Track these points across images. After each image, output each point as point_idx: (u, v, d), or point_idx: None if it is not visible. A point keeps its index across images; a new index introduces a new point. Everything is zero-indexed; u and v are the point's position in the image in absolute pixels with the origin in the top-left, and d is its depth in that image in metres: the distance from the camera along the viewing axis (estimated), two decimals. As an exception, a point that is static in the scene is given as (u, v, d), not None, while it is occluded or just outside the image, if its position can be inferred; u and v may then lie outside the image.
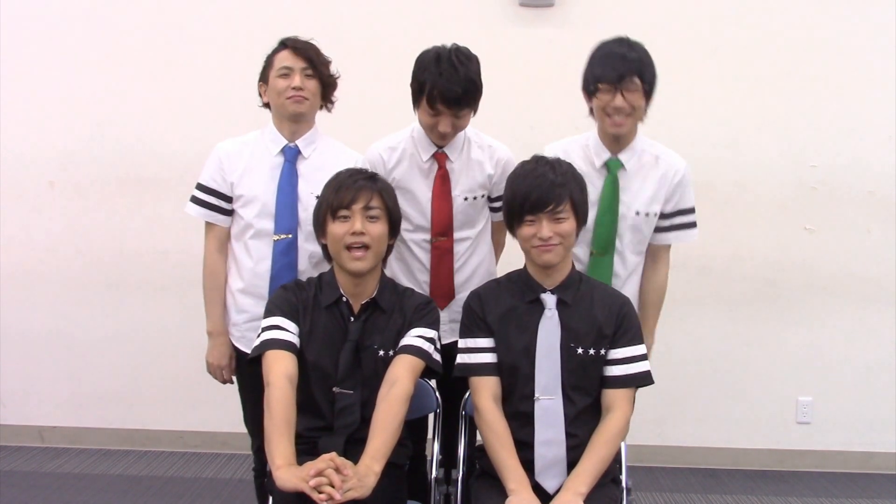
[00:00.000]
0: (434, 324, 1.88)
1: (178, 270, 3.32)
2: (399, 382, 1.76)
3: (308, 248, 2.09)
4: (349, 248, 1.78)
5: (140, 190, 3.35)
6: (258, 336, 1.82)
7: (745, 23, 3.20)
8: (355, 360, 1.82)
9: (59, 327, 3.43)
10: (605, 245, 2.09)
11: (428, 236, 2.16)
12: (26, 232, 3.40)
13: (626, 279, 2.16)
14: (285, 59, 2.10)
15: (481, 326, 1.86)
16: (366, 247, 1.78)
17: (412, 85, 2.05)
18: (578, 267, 2.02)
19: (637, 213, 2.10)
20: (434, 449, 2.03)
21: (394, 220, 1.86)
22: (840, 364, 3.31)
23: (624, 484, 1.91)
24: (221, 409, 3.30)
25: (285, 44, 2.13)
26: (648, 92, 2.03)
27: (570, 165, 1.85)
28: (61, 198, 3.37)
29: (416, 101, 2.07)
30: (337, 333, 1.83)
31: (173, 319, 3.36)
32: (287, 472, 1.59)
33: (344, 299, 1.85)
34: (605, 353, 1.82)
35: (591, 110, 2.11)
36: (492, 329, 1.85)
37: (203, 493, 3.05)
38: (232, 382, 2.24)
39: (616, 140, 2.09)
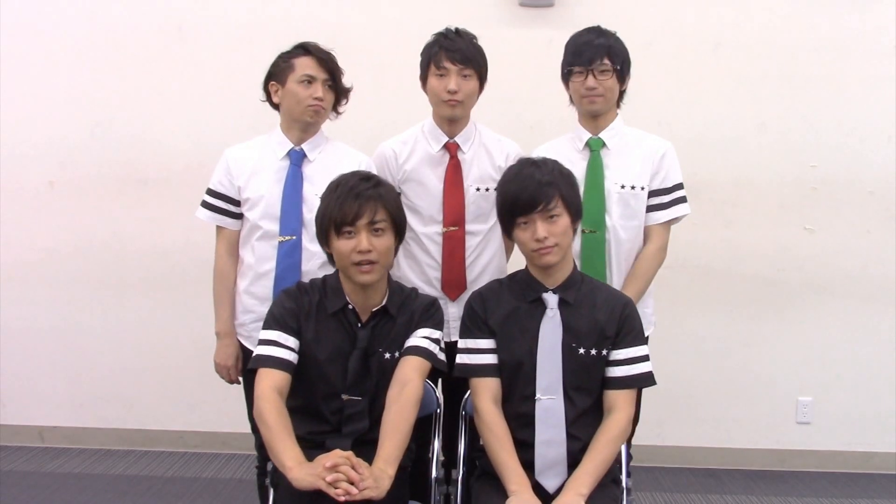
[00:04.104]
0: (439, 324, 1.88)
1: (178, 270, 3.32)
2: (411, 384, 1.76)
3: (312, 249, 2.09)
4: (356, 263, 1.75)
5: (140, 190, 3.34)
6: (256, 346, 1.82)
7: (745, 23, 3.20)
8: (364, 367, 1.81)
9: (59, 327, 3.43)
10: (594, 221, 2.13)
11: (440, 228, 2.18)
12: (26, 232, 3.39)
13: (620, 258, 2.18)
14: (308, 66, 2.09)
15: (482, 328, 1.86)
16: (373, 262, 1.75)
17: (421, 58, 2.15)
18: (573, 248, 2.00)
19: (623, 187, 2.17)
20: (435, 449, 2.03)
21: (399, 227, 1.81)
22: (840, 364, 3.31)
23: (624, 484, 1.91)
24: (221, 409, 3.32)
25: (308, 49, 2.11)
26: (621, 73, 2.15)
27: (555, 162, 1.84)
28: (61, 198, 3.37)
29: (425, 73, 2.15)
30: (344, 341, 1.82)
31: (173, 319, 3.36)
32: (301, 472, 1.57)
33: (350, 307, 1.83)
34: (607, 353, 1.82)
35: (571, 98, 2.24)
36: (493, 331, 1.85)
37: (203, 493, 3.05)
38: (239, 382, 2.25)
39: (594, 120, 2.20)
